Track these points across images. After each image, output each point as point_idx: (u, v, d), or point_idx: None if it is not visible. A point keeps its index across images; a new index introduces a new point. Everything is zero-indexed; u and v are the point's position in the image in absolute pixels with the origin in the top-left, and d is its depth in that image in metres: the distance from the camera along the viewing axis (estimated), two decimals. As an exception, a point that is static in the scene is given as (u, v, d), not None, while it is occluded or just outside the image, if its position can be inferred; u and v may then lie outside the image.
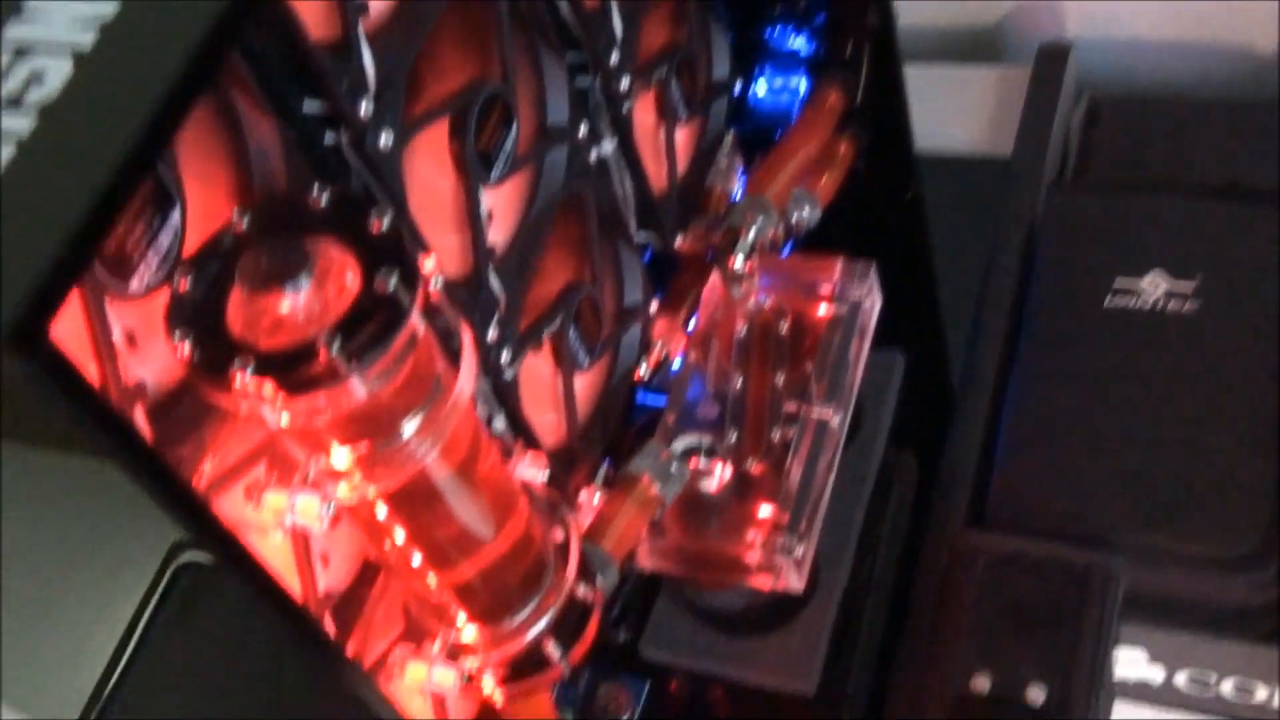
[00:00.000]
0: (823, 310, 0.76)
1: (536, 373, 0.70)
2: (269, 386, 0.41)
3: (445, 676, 0.54)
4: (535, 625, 0.56)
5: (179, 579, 0.58)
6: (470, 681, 0.56)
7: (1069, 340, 0.85)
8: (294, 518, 0.46)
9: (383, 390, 0.44)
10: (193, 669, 0.57)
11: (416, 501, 0.50)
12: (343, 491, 0.47)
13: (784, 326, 0.76)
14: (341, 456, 0.46)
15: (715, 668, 0.78)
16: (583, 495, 0.72)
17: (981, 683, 0.70)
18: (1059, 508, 0.77)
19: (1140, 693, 0.82)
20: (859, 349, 0.77)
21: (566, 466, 0.73)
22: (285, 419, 0.44)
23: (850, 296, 0.77)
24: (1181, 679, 0.79)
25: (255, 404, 0.43)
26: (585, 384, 0.74)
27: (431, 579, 0.54)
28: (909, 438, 0.86)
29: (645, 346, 0.78)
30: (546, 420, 0.72)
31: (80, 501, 0.46)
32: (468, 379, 0.48)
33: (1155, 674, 0.80)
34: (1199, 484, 0.76)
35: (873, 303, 0.77)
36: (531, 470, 0.58)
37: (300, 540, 0.51)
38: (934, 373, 0.88)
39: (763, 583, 0.71)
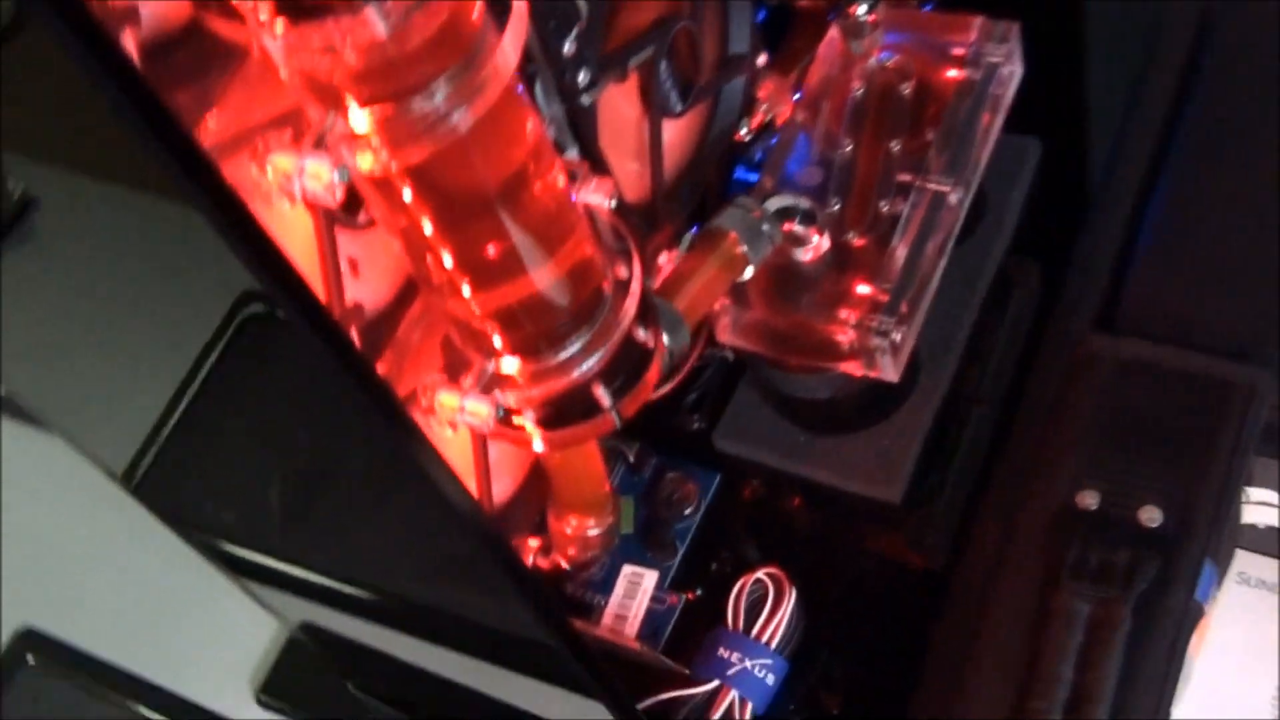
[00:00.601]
0: (953, 74, 0.67)
1: (620, 113, 0.63)
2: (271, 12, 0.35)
3: (479, 409, 0.48)
4: (583, 363, 0.49)
5: (246, 328, 0.52)
6: (508, 420, 0.50)
7: (1231, 146, 0.75)
8: (302, 182, 0.39)
9: (408, 34, 0.37)
10: (252, 416, 0.51)
11: (453, 193, 0.43)
12: (364, 162, 0.40)
13: (907, 89, 0.67)
14: (361, 118, 0.39)
15: (793, 465, 0.71)
16: (662, 258, 0.65)
17: (1089, 498, 0.62)
18: (1201, 318, 0.67)
19: (1267, 544, 0.74)
20: (990, 124, 0.68)
21: (647, 225, 0.65)
22: (291, 62, 0.37)
23: (987, 61, 0.67)
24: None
25: (260, 35, 0.36)
26: (676, 135, 0.67)
27: (472, 300, 0.47)
28: (1036, 239, 0.77)
29: (749, 105, 0.70)
30: (629, 169, 0.65)
31: (152, 244, 0.40)
32: (513, 43, 0.40)
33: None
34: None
35: (1012, 72, 0.68)
36: (597, 195, 0.51)
37: (321, 224, 0.45)
38: (1072, 167, 0.78)
39: (854, 368, 0.64)
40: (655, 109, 0.63)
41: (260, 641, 0.74)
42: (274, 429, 0.53)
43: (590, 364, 0.49)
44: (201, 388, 0.53)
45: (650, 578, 0.69)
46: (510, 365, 0.49)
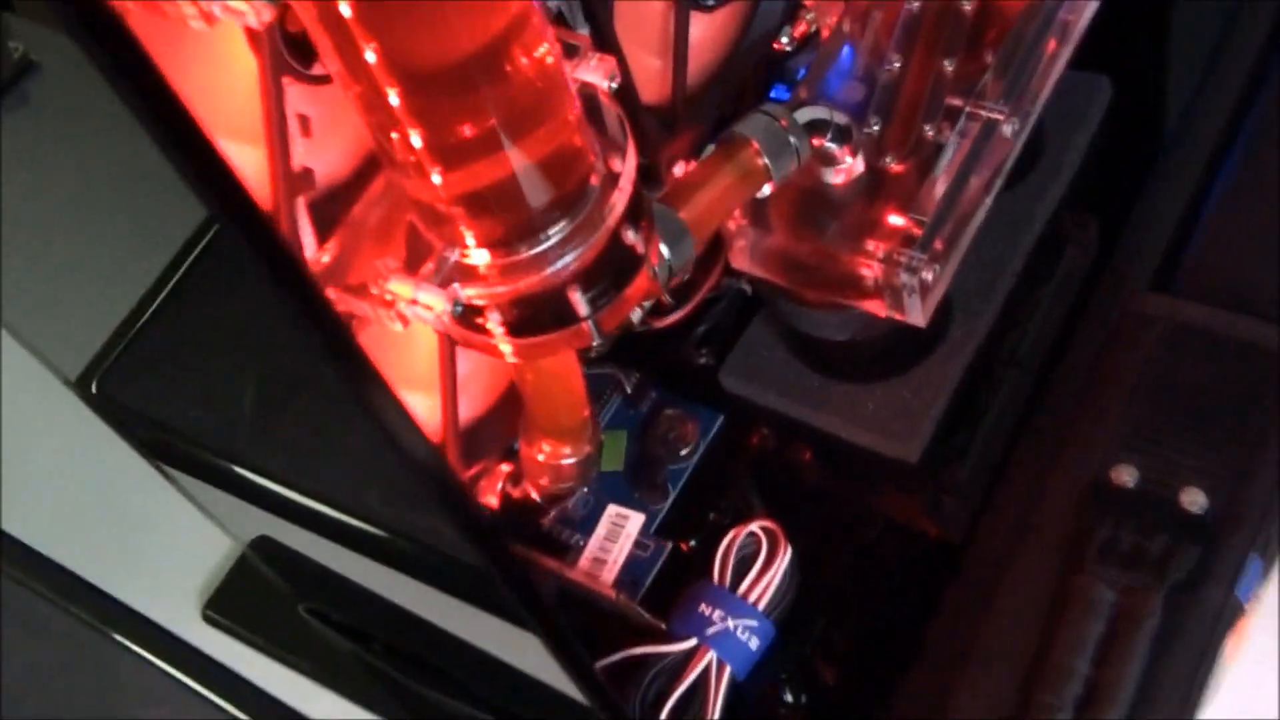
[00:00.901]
0: (1020, -8, 0.60)
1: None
2: None
3: (433, 301, 0.42)
4: (558, 260, 0.43)
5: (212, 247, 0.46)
6: (469, 319, 0.44)
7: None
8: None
9: None
10: (214, 328, 0.49)
11: (419, 55, 0.37)
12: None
13: (968, 5, 0.60)
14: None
15: (803, 411, 0.65)
16: (677, 168, 0.59)
17: (1125, 474, 0.55)
18: (1267, 289, 0.60)
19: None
20: (1056, 53, 0.61)
21: (665, 128, 0.59)
22: None
23: (1059, -18, 0.60)
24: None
25: None
26: (706, 32, 0.60)
27: (436, 180, 0.41)
28: (1097, 191, 0.70)
29: (793, 12, 0.63)
30: (648, 64, 0.58)
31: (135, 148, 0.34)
32: None
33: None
34: None
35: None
36: (595, 75, 0.45)
37: (267, 71, 0.38)
38: (1144, 114, 0.71)
39: (877, 308, 0.57)
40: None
41: (210, 560, 0.69)
42: (234, 340, 0.48)
43: (566, 261, 0.43)
44: (167, 298, 0.48)
45: (636, 521, 0.63)
46: (477, 257, 0.43)
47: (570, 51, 0.45)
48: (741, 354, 0.67)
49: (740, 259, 0.60)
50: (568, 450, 0.55)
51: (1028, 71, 0.60)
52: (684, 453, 0.65)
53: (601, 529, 0.63)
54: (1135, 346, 0.59)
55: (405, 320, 0.43)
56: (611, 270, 0.45)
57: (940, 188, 0.56)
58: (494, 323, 0.44)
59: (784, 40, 0.63)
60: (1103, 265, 0.68)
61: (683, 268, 0.51)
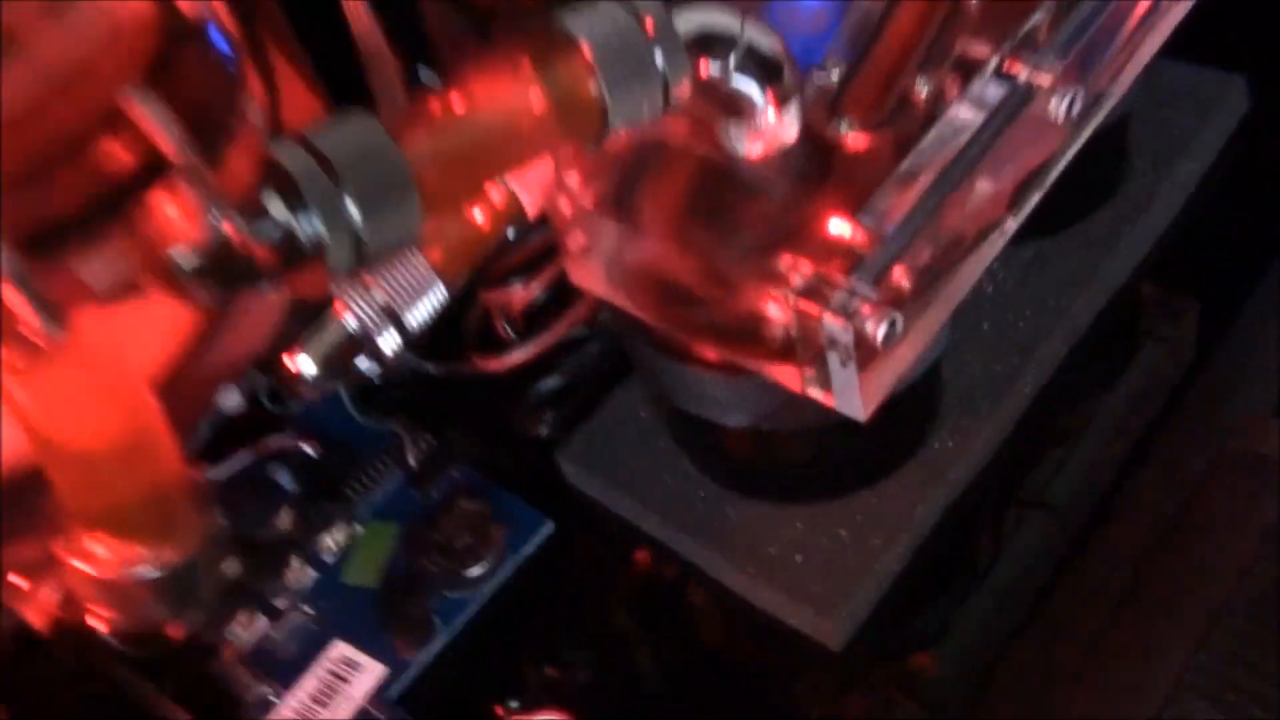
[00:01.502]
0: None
1: None
2: None
3: None
4: None
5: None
6: None
7: None
8: None
9: None
10: None
11: None
12: None
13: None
14: None
15: (676, 536, 0.40)
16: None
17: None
18: None
19: None
20: (1158, 12, 0.36)
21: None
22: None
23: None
24: None
25: None
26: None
27: None
28: (1203, 259, 0.45)
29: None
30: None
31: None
32: None
33: None
34: None
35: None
36: None
37: None
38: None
39: (788, 376, 0.32)
40: None
41: None
42: None
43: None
44: None
45: (369, 676, 0.39)
46: None
47: None
48: (597, 431, 0.42)
49: (579, 270, 0.35)
50: (142, 552, 0.30)
51: (1104, 28, 0.35)
52: (474, 573, 0.40)
53: (311, 681, 0.39)
54: (1244, 509, 0.33)
55: None
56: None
57: (923, 184, 0.32)
58: None
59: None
60: (1199, 373, 0.43)
61: (389, 246, 0.27)
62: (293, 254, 0.26)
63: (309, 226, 0.26)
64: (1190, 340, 0.45)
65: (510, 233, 0.43)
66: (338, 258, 0.26)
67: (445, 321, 0.44)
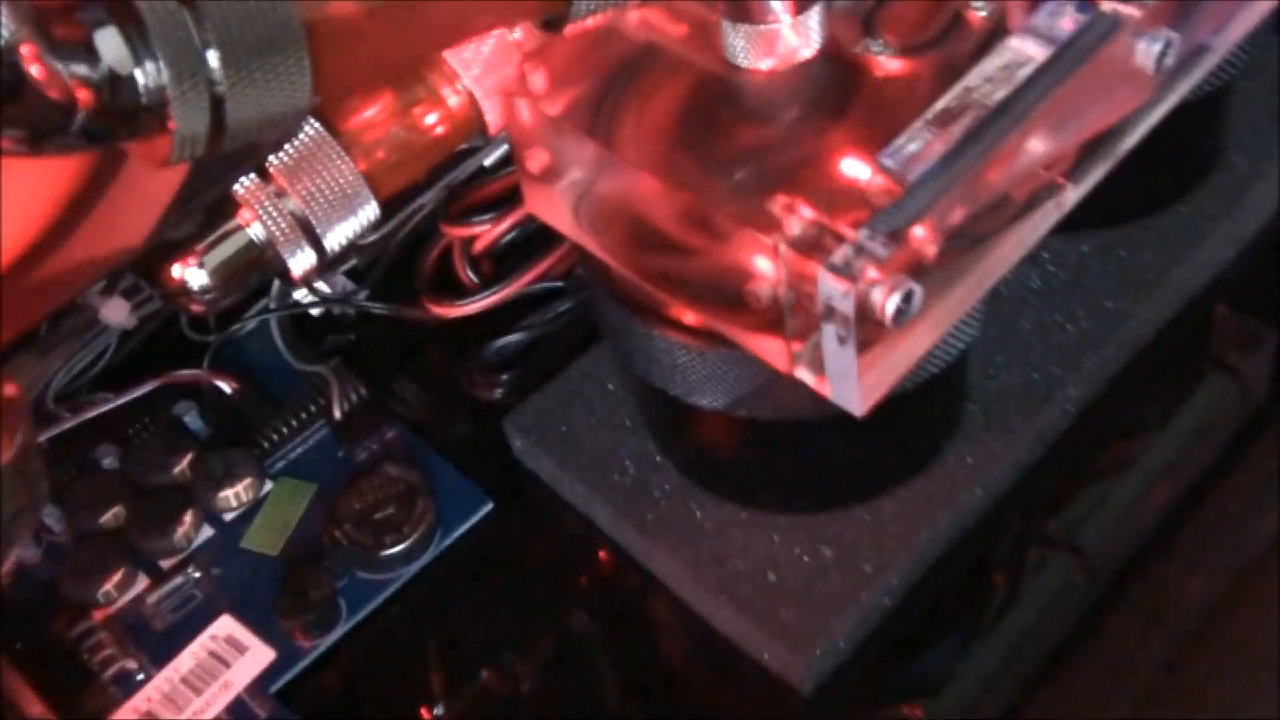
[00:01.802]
0: None
1: None
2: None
3: None
4: None
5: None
6: None
7: None
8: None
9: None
10: None
11: None
12: None
13: None
14: None
15: (632, 535, 0.33)
16: None
17: None
18: None
19: None
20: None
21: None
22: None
23: None
24: None
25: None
26: None
27: None
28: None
29: None
30: None
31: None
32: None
33: None
34: None
35: None
36: None
37: None
38: None
39: (774, 350, 0.26)
40: None
41: None
42: None
43: None
44: None
45: (254, 661, 0.32)
46: None
47: None
48: (553, 399, 0.36)
49: (538, 197, 0.29)
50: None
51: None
52: (393, 552, 0.34)
53: (186, 659, 0.33)
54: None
55: None
56: None
57: (965, 125, 0.25)
58: None
59: None
60: (1271, 417, 0.36)
61: (263, 117, 0.21)
62: (123, 105, 0.20)
63: (149, 71, 0.19)
64: (1264, 376, 0.38)
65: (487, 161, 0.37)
66: (186, 122, 0.20)
67: (400, 253, 0.38)
